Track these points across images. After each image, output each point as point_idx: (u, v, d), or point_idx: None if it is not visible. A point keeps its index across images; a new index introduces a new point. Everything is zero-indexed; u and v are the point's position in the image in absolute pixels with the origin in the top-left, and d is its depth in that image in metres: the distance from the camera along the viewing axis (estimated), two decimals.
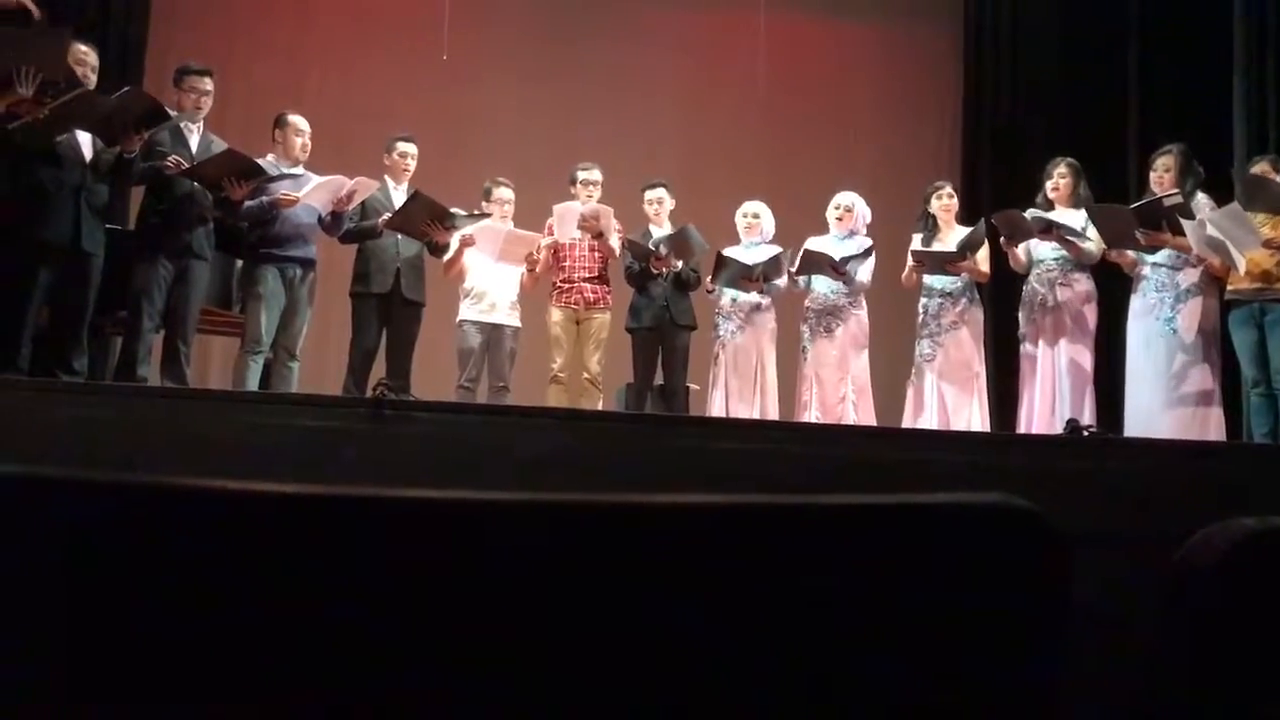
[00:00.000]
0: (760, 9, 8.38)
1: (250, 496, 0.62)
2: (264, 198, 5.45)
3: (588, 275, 6.20)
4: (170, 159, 5.15)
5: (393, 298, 5.76)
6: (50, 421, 3.24)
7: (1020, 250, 5.90)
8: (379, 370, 5.66)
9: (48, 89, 4.50)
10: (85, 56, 5.07)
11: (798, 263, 6.08)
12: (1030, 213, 5.83)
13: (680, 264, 6.13)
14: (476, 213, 5.94)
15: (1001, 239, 5.91)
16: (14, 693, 0.61)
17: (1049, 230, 5.72)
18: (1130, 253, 5.65)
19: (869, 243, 6.15)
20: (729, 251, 6.15)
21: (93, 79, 5.00)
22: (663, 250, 6.06)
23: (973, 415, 5.91)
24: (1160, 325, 5.53)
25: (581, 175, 6.29)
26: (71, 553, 0.61)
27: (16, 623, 0.61)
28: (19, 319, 4.77)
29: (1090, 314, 5.80)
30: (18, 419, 3.22)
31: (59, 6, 7.15)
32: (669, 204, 6.36)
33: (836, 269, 5.98)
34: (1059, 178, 5.89)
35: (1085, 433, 4.38)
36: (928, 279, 6.05)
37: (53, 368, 4.76)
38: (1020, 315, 5.97)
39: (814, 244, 6.19)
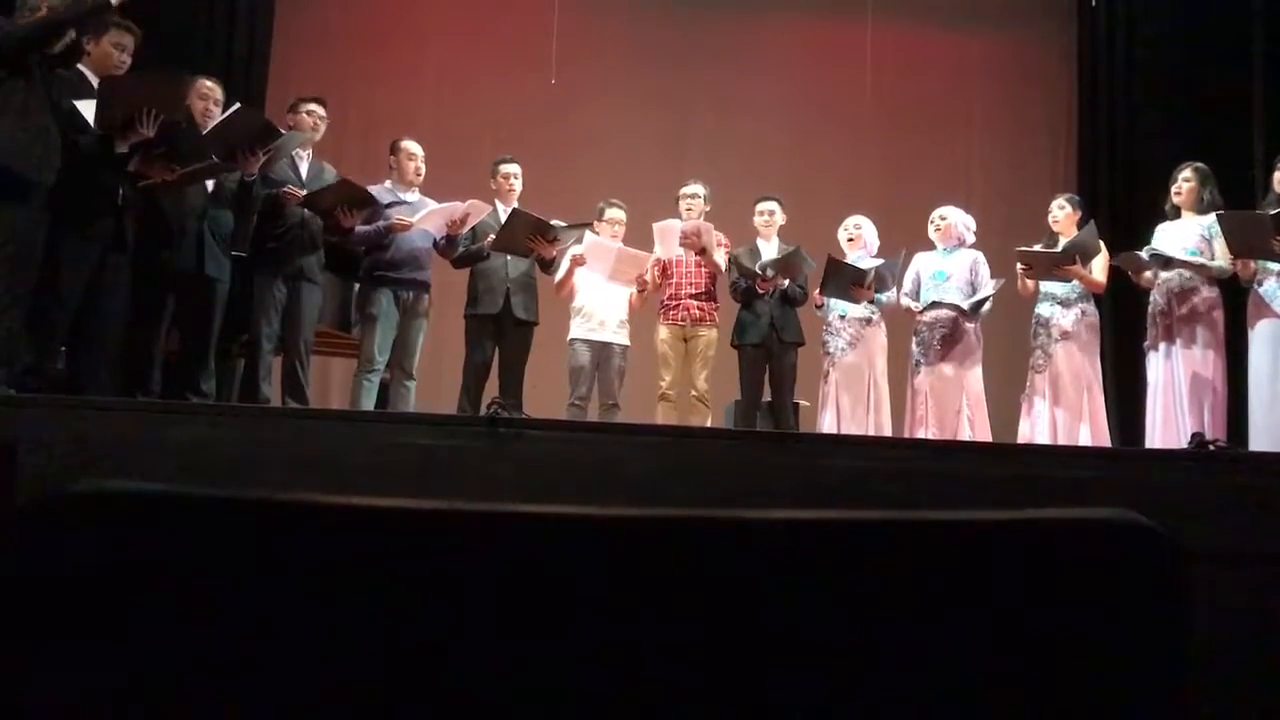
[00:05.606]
0: (867, 23, 8.31)
1: (370, 512, 0.64)
2: (380, 222, 5.59)
3: (694, 292, 6.20)
4: (287, 188, 5.32)
5: (504, 318, 5.84)
6: (178, 441, 3.35)
7: (1147, 271, 5.76)
8: (492, 389, 5.75)
9: (168, 130, 4.68)
10: (210, 91, 5.26)
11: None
12: (1147, 250, 5.72)
13: (787, 281, 6.10)
14: (578, 224, 5.98)
15: (1130, 273, 5.81)
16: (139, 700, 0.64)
17: (1170, 264, 5.61)
18: (1253, 262, 5.45)
19: (991, 285, 6.01)
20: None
21: (216, 112, 5.19)
22: (769, 273, 6.03)
23: (1085, 428, 5.76)
24: None
25: (683, 191, 6.31)
26: (204, 565, 0.64)
27: (150, 632, 0.64)
28: (149, 344, 4.96)
29: (1216, 323, 5.61)
30: (148, 440, 3.34)
31: (189, 41, 7.45)
32: (779, 219, 6.33)
33: (965, 314, 5.92)
34: (1182, 182, 5.75)
35: (1210, 447, 4.24)
36: (1043, 286, 5.92)
37: (183, 390, 4.93)
38: (1148, 327, 5.82)
39: (921, 260, 6.13)
